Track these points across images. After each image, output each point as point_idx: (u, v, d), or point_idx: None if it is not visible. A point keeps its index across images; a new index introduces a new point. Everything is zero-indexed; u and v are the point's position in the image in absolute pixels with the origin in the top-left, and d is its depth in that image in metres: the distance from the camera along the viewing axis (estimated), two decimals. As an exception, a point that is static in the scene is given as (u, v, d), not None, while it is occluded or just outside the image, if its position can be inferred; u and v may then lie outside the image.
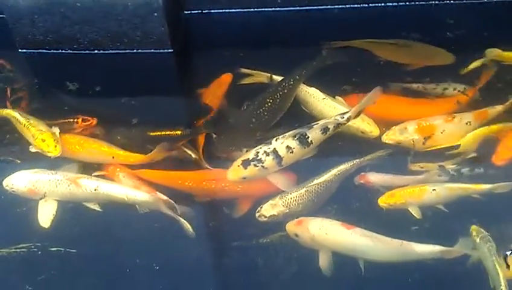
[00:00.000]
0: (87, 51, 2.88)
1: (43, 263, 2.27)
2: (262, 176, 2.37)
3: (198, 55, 3.00)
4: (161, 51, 2.88)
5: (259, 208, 2.30)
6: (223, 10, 3.07)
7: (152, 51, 2.87)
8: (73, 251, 2.28)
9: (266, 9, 3.06)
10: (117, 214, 2.38)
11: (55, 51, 2.89)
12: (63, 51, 2.89)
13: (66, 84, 2.80)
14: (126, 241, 2.34)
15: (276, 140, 2.37)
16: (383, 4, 3.05)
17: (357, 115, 2.40)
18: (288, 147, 2.34)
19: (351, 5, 3.03)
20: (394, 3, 3.05)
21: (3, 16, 2.84)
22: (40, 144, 2.46)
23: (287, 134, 2.38)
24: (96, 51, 2.88)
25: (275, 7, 3.05)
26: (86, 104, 2.71)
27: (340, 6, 3.03)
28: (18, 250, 2.29)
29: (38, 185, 2.38)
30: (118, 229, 2.39)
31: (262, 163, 2.33)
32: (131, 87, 2.82)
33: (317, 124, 2.38)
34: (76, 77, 2.83)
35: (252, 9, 3.06)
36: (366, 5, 3.03)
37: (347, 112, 2.40)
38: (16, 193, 2.39)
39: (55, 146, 2.45)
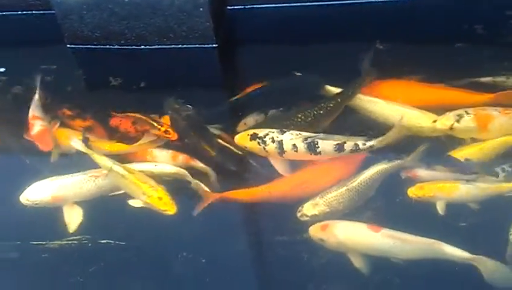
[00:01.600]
0: (133, 46, 2.92)
1: (93, 255, 2.31)
2: (261, 154, 2.42)
3: (242, 50, 3.04)
4: (205, 45, 2.90)
5: (300, 208, 2.29)
6: (266, 5, 3.07)
7: (197, 45, 2.90)
8: (123, 243, 2.32)
9: (309, 3, 3.06)
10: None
11: (102, 46, 2.94)
12: (110, 46, 2.94)
13: (109, 80, 2.84)
14: (171, 234, 2.36)
15: (289, 134, 2.39)
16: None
17: (382, 146, 2.35)
18: (294, 146, 2.36)
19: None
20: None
21: (53, 11, 2.90)
22: (156, 202, 2.32)
23: (302, 133, 2.39)
24: (142, 46, 2.92)
25: (317, 1, 3.04)
26: (130, 99, 2.75)
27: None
28: (69, 242, 2.34)
29: (61, 191, 2.39)
30: (161, 222, 2.38)
31: (265, 145, 2.38)
32: (176, 81, 2.85)
33: (334, 138, 2.36)
34: (122, 71, 2.88)
35: (295, 4, 3.06)
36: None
37: (372, 140, 2.34)
38: (40, 205, 2.38)
39: (171, 203, 2.34)
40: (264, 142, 2.39)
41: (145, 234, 2.35)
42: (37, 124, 2.56)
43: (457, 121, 2.40)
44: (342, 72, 2.68)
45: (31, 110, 2.63)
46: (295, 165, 2.44)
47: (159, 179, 2.41)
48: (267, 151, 2.39)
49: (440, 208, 2.28)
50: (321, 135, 2.38)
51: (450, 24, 2.99)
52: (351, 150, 2.34)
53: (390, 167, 2.36)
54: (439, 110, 2.50)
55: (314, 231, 2.23)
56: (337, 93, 2.55)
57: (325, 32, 3.03)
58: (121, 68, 2.91)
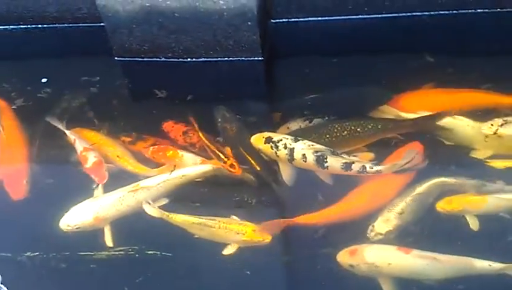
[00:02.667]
0: (180, 59, 2.95)
1: (140, 266, 2.34)
2: (271, 158, 2.47)
3: (287, 63, 3.03)
4: (251, 58, 2.92)
5: (371, 227, 2.27)
6: (310, 18, 3.09)
7: (243, 58, 2.92)
8: (169, 254, 2.35)
9: (353, 16, 3.06)
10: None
11: (149, 59, 2.97)
12: (157, 59, 2.97)
13: (155, 92, 2.87)
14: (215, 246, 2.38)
15: (302, 143, 2.42)
16: (473, 10, 3.01)
17: (391, 171, 2.36)
18: (303, 156, 2.39)
19: (441, 12, 3.00)
20: (485, 10, 2.99)
21: (100, 24, 2.95)
22: (252, 235, 2.28)
23: (315, 145, 2.41)
24: (188, 59, 2.95)
25: (361, 14, 3.04)
26: (178, 110, 2.75)
27: (430, 12, 3.00)
28: (116, 253, 2.37)
29: (102, 211, 2.39)
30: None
31: (277, 150, 2.44)
32: (222, 93, 2.87)
33: (343, 156, 2.38)
34: (169, 84, 2.91)
35: (339, 17, 3.06)
36: (456, 11, 3.00)
37: (380, 165, 2.36)
38: (82, 229, 2.39)
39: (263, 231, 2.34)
40: (277, 147, 2.45)
41: (191, 245, 2.36)
42: (90, 155, 2.57)
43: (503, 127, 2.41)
44: (389, 86, 2.69)
45: (80, 141, 2.63)
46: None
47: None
48: (278, 156, 2.44)
49: (471, 222, 2.26)
50: (332, 151, 2.41)
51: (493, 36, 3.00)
52: (358, 171, 2.35)
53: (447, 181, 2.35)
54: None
55: (343, 258, 2.20)
56: (391, 119, 2.54)
57: (371, 45, 3.02)
58: (167, 81, 2.94)
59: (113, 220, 2.41)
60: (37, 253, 2.39)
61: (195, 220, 2.33)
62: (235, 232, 2.29)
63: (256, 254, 2.30)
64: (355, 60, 2.98)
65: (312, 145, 2.43)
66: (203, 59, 2.95)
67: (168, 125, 2.66)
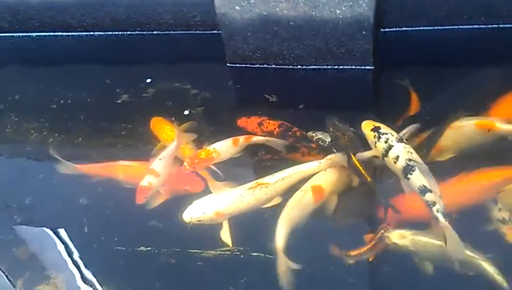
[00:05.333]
0: (290, 66, 3.01)
1: (245, 267, 2.39)
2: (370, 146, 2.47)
3: (397, 72, 2.96)
4: (362, 67, 2.93)
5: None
6: (420, 27, 3.06)
7: (353, 67, 2.94)
8: (271, 257, 2.35)
9: (466, 26, 3.00)
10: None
11: (259, 66, 3.05)
12: (268, 66, 3.04)
13: (265, 97, 2.93)
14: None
15: (403, 145, 2.37)
16: None
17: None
18: (397, 157, 2.34)
19: None
20: None
21: (219, 32, 3.04)
22: None
23: (413, 153, 2.35)
24: (298, 67, 3.00)
25: (476, 24, 2.97)
26: (288, 115, 2.78)
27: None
28: (223, 253, 2.43)
29: (223, 206, 2.45)
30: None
31: (378, 141, 2.42)
32: (332, 101, 2.90)
33: (430, 180, 2.26)
34: (279, 90, 2.96)
35: (451, 27, 3.01)
36: None
37: (443, 211, 2.18)
38: (203, 222, 2.45)
39: None
40: (379, 138, 2.45)
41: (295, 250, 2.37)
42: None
43: None
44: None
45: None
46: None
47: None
48: (375, 146, 2.45)
49: None
50: (424, 167, 2.32)
51: None
52: (427, 202, 2.21)
53: None
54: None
55: None
56: None
57: (482, 53, 2.95)
58: (278, 87, 2.99)
59: (232, 216, 2.47)
60: (149, 248, 2.50)
61: None
62: None
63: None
64: (466, 71, 2.90)
65: (411, 152, 2.38)
66: (313, 66, 2.99)
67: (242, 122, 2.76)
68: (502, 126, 2.43)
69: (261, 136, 2.70)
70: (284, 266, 2.26)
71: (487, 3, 2.93)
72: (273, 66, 3.03)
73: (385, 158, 2.41)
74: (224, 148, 2.64)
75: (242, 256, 2.41)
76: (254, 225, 2.45)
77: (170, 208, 2.56)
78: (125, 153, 2.83)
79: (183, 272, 2.45)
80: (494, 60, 2.92)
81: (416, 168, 2.31)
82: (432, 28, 3.05)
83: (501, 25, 2.97)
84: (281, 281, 2.25)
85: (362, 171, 2.43)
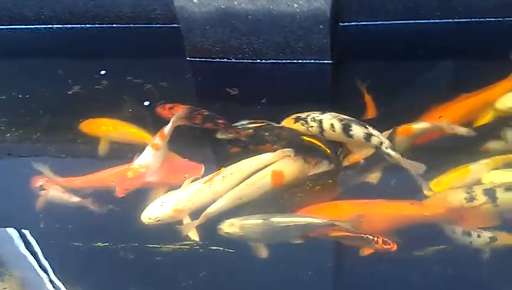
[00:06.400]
0: (250, 60, 3.01)
1: (204, 261, 2.40)
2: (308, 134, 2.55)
3: (355, 66, 3.04)
4: (320, 61, 2.95)
5: None
6: (379, 22, 3.09)
7: (312, 61, 2.96)
8: (231, 250, 2.39)
9: (423, 21, 3.05)
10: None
11: (220, 60, 3.04)
12: (228, 60, 3.03)
13: (228, 91, 2.93)
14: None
15: (328, 114, 2.53)
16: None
17: (399, 163, 2.38)
18: (332, 125, 2.49)
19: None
20: None
21: (173, 25, 3.07)
22: None
23: (340, 115, 2.52)
24: (258, 61, 3.01)
25: (432, 19, 3.03)
26: (248, 110, 2.83)
27: (504, 18, 2.96)
28: (182, 247, 2.43)
29: (181, 203, 2.45)
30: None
31: (308, 125, 2.55)
32: (291, 94, 2.90)
33: (367, 127, 2.44)
34: (239, 84, 2.95)
35: (408, 21, 3.05)
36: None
37: (395, 152, 2.37)
38: (162, 221, 2.45)
39: None
40: (307, 122, 2.56)
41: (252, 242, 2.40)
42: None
43: None
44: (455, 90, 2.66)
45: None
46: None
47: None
48: (311, 131, 2.54)
49: None
50: (355, 120, 2.49)
51: None
52: (375, 145, 2.42)
53: None
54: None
55: None
56: None
57: (439, 48, 3.00)
58: (238, 81, 2.98)
59: (191, 212, 2.46)
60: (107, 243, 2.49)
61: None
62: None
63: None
64: (423, 65, 2.96)
65: (337, 115, 2.52)
66: (272, 61, 2.99)
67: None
68: (418, 126, 2.50)
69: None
70: (187, 229, 2.36)
71: (443, -1, 3.02)
72: (233, 60, 3.02)
73: (324, 134, 2.50)
74: (149, 157, 2.59)
75: (201, 250, 2.40)
76: (213, 218, 2.42)
77: (128, 203, 2.53)
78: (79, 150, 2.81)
79: (142, 268, 2.44)
80: (450, 55, 2.98)
81: (351, 122, 2.48)
82: (389, 22, 3.08)
83: (456, 20, 3.02)
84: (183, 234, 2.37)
85: (320, 144, 2.49)
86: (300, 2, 2.72)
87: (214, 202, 2.45)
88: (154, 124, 2.74)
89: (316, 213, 2.37)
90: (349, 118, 2.51)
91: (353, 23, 3.12)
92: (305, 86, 2.96)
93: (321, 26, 2.77)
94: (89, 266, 2.46)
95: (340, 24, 3.13)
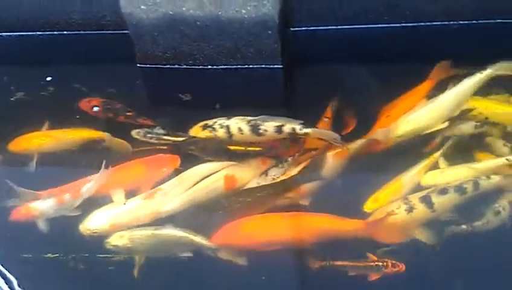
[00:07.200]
0: (201, 66, 3.00)
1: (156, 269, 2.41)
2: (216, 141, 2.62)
3: (305, 71, 3.07)
4: (271, 66, 2.96)
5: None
6: (329, 27, 3.11)
7: (262, 66, 2.97)
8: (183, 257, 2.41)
9: (372, 25, 3.08)
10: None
11: (171, 66, 3.02)
12: (179, 66, 3.02)
13: (179, 96, 2.93)
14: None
15: (235, 119, 2.59)
16: (492, 20, 3.02)
17: (316, 137, 2.51)
18: (239, 129, 2.55)
19: (461, 21, 3.02)
20: (504, 20, 3.01)
21: (124, 31, 3.00)
22: None
23: (246, 117, 2.58)
24: (209, 66, 3.00)
25: (380, 23, 3.07)
26: (201, 115, 2.79)
27: (450, 22, 3.02)
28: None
29: (119, 218, 2.44)
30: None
31: (216, 132, 2.60)
32: (244, 101, 2.90)
33: (275, 120, 2.51)
34: (191, 90, 2.95)
35: (358, 26, 3.09)
36: (476, 21, 3.02)
37: (308, 128, 2.49)
38: (99, 234, 2.45)
39: None
40: (214, 129, 2.59)
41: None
42: None
43: None
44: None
45: None
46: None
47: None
48: (219, 137, 2.59)
49: None
50: (263, 117, 2.55)
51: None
52: (289, 133, 2.50)
53: None
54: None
55: None
56: None
57: (390, 53, 3.06)
58: (190, 87, 2.97)
59: (128, 228, 2.45)
60: (57, 254, 2.46)
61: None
62: None
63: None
64: (373, 69, 3.01)
65: (244, 118, 2.58)
66: (223, 66, 2.99)
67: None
68: (352, 147, 2.55)
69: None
70: None
71: (390, 4, 3.02)
72: (184, 66, 3.01)
73: (233, 139, 2.56)
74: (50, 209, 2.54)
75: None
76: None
77: (78, 213, 2.51)
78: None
79: (93, 278, 2.41)
80: (397, 59, 3.03)
81: (258, 121, 2.54)
82: (339, 27, 3.11)
83: (403, 24, 3.07)
84: None
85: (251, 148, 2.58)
86: (249, 8, 2.73)
87: (153, 217, 2.45)
88: (100, 128, 2.74)
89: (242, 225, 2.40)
90: (256, 117, 2.58)
91: (303, 28, 3.14)
92: (257, 91, 2.97)
93: (270, 32, 2.79)
94: (38, 278, 2.42)
95: (291, 29, 3.14)
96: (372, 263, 2.31)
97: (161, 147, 2.68)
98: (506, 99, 2.69)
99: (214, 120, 2.64)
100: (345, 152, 2.52)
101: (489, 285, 2.30)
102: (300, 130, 2.51)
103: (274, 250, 2.39)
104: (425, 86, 2.72)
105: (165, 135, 2.69)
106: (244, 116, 2.61)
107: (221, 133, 2.60)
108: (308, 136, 2.53)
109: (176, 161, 2.64)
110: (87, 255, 2.44)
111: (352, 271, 2.31)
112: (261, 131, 2.54)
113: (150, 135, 2.70)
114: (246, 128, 2.56)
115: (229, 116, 2.64)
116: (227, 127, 2.58)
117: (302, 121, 2.54)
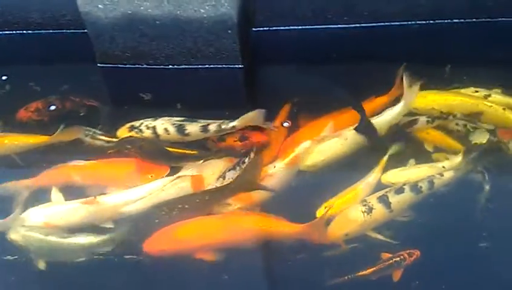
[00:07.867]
0: (161, 66, 2.99)
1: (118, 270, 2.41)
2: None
3: (266, 71, 3.07)
4: (231, 66, 2.97)
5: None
6: (291, 27, 3.14)
7: (223, 66, 2.97)
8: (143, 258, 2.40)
9: (332, 26, 3.11)
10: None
11: (131, 66, 3.00)
12: (139, 66, 3.00)
13: (139, 96, 2.91)
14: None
15: (161, 120, 2.64)
16: (449, 20, 3.07)
17: (245, 124, 2.55)
18: (165, 130, 2.60)
19: (418, 22, 3.07)
20: (461, 20, 3.07)
21: (84, 31, 2.96)
22: None
23: (172, 118, 2.63)
24: (170, 66, 2.99)
25: (340, 24, 3.10)
26: (162, 114, 2.77)
27: (408, 22, 3.08)
28: (96, 257, 2.40)
29: (54, 219, 2.42)
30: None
31: (142, 133, 2.63)
32: (205, 100, 2.89)
33: (200, 121, 2.58)
34: (152, 89, 2.94)
35: (318, 26, 3.12)
36: (433, 21, 3.07)
37: (234, 121, 2.54)
38: (32, 230, 2.42)
39: None
40: (141, 130, 2.63)
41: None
42: None
43: None
44: (364, 93, 2.75)
45: None
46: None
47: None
48: (146, 137, 2.61)
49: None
50: (188, 119, 2.62)
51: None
52: (215, 130, 2.56)
53: None
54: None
55: None
56: None
57: (350, 53, 3.08)
58: (151, 86, 2.95)
59: (64, 230, 2.42)
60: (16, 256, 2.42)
61: None
62: None
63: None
64: (334, 69, 3.04)
65: (170, 118, 2.63)
66: (184, 66, 2.98)
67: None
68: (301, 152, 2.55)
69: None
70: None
71: (349, 4, 3.06)
72: (145, 65, 2.99)
73: (159, 138, 2.59)
74: None
75: (116, 260, 2.40)
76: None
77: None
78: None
79: (54, 281, 2.40)
80: (355, 59, 3.04)
81: (184, 122, 2.59)
82: (300, 27, 3.13)
83: (363, 24, 3.11)
84: None
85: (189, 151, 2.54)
86: (207, 8, 2.73)
87: (90, 225, 2.43)
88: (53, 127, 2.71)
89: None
90: (184, 118, 2.63)
91: (265, 28, 3.15)
92: (218, 91, 2.95)
93: (229, 32, 2.79)
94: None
95: (253, 29, 3.16)
96: (390, 261, 2.30)
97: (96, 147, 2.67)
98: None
99: (140, 121, 2.67)
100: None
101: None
102: (226, 125, 2.55)
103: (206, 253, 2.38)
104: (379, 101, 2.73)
105: (101, 135, 2.68)
106: (169, 117, 2.63)
107: (147, 134, 2.63)
108: (235, 128, 2.55)
109: (163, 169, 2.58)
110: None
111: (375, 276, 2.29)
112: (186, 132, 2.57)
113: (87, 132, 2.67)
114: (171, 130, 2.59)
115: (156, 117, 2.66)
116: (154, 128, 2.60)
117: (229, 121, 2.56)
